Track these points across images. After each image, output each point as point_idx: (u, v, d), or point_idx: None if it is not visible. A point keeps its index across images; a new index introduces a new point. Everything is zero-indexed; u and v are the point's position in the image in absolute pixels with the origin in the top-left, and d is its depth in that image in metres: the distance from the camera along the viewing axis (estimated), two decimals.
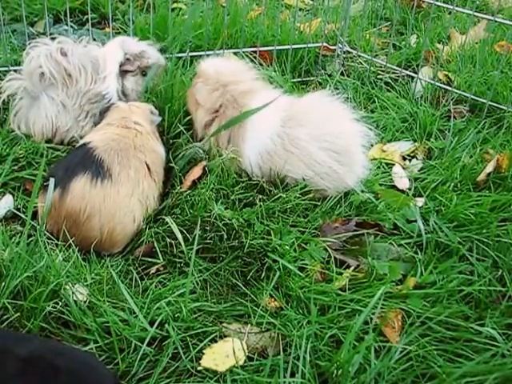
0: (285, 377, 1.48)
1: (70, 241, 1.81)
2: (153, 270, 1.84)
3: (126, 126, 2.09)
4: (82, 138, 2.18)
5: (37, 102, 2.34)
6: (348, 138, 2.09)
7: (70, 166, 1.89)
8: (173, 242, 1.86)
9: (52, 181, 1.81)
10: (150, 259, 1.87)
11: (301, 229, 1.92)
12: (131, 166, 1.95)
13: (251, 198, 2.01)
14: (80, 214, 1.84)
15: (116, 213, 1.87)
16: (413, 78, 2.94)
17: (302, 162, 2.04)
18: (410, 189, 2.23)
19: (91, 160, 1.90)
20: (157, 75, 2.53)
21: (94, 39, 2.69)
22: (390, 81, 2.97)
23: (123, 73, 2.45)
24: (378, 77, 2.99)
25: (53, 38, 2.44)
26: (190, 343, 1.57)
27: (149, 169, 2.01)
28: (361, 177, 2.14)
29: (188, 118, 2.27)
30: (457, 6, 2.77)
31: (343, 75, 3.03)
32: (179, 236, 1.85)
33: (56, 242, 1.85)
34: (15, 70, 2.51)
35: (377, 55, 3.13)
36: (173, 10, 3.17)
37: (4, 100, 2.41)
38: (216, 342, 1.59)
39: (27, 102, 2.35)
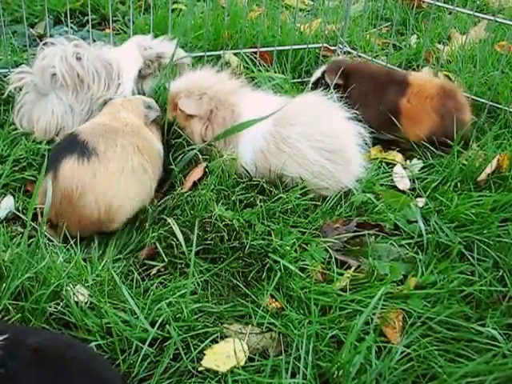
0: (286, 377, 1.48)
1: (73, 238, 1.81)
2: (154, 270, 1.84)
3: (116, 117, 2.11)
4: None
5: (44, 98, 2.34)
6: (340, 136, 2.10)
7: (58, 151, 1.95)
8: (174, 242, 1.86)
9: (49, 182, 1.85)
10: (151, 261, 1.87)
11: (301, 229, 1.93)
12: (117, 144, 1.98)
13: (252, 199, 2.01)
14: (73, 193, 1.88)
15: (108, 189, 1.91)
16: None
17: (294, 161, 2.05)
18: (410, 189, 2.23)
19: (76, 143, 1.94)
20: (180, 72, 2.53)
21: (94, 40, 2.69)
22: None
23: (143, 77, 2.46)
24: None
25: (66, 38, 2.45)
26: (190, 344, 1.57)
27: (139, 149, 2.02)
28: (358, 176, 2.14)
29: None
30: (457, 6, 2.77)
31: None
32: (180, 237, 1.85)
33: (57, 242, 1.85)
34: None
35: (377, 55, 3.13)
36: (173, 10, 3.17)
37: (4, 97, 2.41)
38: (217, 342, 1.59)
39: (33, 98, 2.35)
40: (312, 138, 2.05)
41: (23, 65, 2.47)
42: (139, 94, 2.46)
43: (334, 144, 2.07)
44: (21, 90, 2.38)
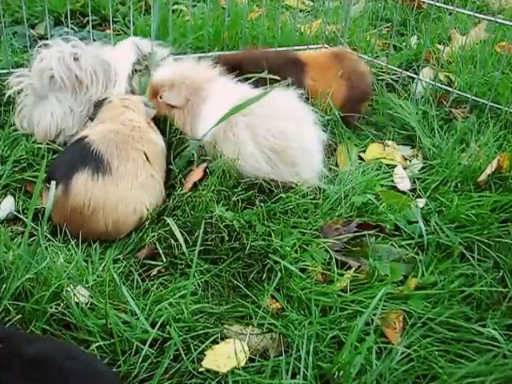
0: (286, 378, 1.48)
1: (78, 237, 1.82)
2: (154, 271, 1.84)
3: (122, 122, 2.12)
4: None
5: (43, 101, 2.33)
6: (286, 138, 2.05)
7: (70, 162, 1.93)
8: (174, 243, 1.86)
9: (53, 184, 1.85)
10: (151, 261, 1.87)
11: (302, 230, 1.92)
12: (129, 157, 1.98)
13: (252, 199, 2.01)
14: (85, 209, 1.88)
15: (118, 206, 1.91)
16: (413, 79, 2.94)
17: (235, 149, 2.05)
18: (411, 190, 2.23)
19: (90, 154, 1.93)
20: None
21: (95, 41, 2.70)
22: (390, 82, 2.97)
23: (132, 73, 2.49)
24: (379, 78, 2.99)
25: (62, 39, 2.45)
26: (191, 344, 1.57)
27: (148, 159, 2.04)
28: (307, 179, 2.10)
29: None
30: (457, 6, 2.77)
31: None
32: (180, 238, 1.85)
33: (57, 242, 1.86)
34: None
35: (377, 56, 3.13)
36: (173, 11, 3.17)
37: (4, 101, 2.41)
38: (217, 343, 1.59)
39: (33, 101, 2.34)
40: (258, 132, 2.04)
41: (21, 68, 2.47)
42: (131, 89, 2.50)
43: (276, 144, 2.03)
44: (21, 91, 2.38)
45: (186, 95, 2.18)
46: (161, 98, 2.23)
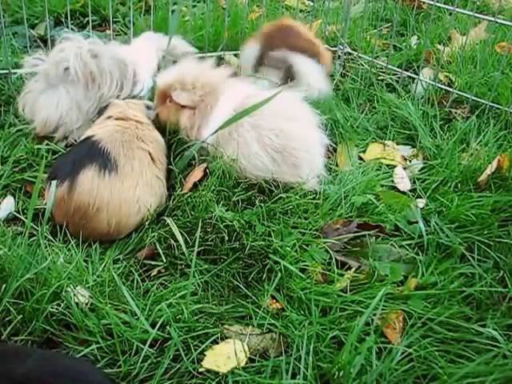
0: (286, 378, 1.48)
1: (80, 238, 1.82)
2: (154, 271, 1.84)
3: (126, 117, 2.13)
4: None
5: (52, 89, 2.32)
6: (289, 139, 2.05)
7: (76, 160, 1.92)
8: (174, 243, 1.86)
9: (54, 184, 1.85)
10: (151, 261, 1.87)
11: (302, 230, 1.93)
12: (135, 156, 1.98)
13: (252, 199, 2.01)
14: (89, 208, 1.87)
15: (122, 205, 1.90)
16: (413, 79, 2.94)
17: (240, 151, 2.04)
18: (411, 190, 2.23)
19: (98, 152, 1.93)
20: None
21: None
22: (390, 82, 2.97)
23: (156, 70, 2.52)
24: (379, 78, 3.00)
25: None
26: (191, 345, 1.57)
27: (152, 158, 2.04)
28: (307, 181, 2.09)
29: None
30: (457, 6, 2.77)
31: (344, 76, 3.03)
32: (180, 238, 1.85)
33: (57, 243, 1.86)
34: (16, 74, 2.52)
35: (377, 56, 3.13)
36: (173, 11, 3.17)
37: (4, 100, 2.42)
38: (217, 343, 1.59)
39: (41, 87, 2.33)
40: (262, 132, 2.04)
41: (21, 69, 2.47)
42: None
43: (279, 144, 2.03)
44: (32, 75, 2.36)
45: (200, 95, 2.16)
46: (170, 101, 2.20)
